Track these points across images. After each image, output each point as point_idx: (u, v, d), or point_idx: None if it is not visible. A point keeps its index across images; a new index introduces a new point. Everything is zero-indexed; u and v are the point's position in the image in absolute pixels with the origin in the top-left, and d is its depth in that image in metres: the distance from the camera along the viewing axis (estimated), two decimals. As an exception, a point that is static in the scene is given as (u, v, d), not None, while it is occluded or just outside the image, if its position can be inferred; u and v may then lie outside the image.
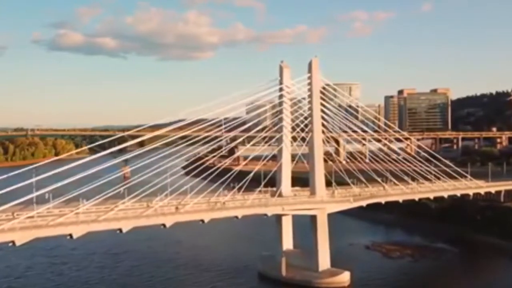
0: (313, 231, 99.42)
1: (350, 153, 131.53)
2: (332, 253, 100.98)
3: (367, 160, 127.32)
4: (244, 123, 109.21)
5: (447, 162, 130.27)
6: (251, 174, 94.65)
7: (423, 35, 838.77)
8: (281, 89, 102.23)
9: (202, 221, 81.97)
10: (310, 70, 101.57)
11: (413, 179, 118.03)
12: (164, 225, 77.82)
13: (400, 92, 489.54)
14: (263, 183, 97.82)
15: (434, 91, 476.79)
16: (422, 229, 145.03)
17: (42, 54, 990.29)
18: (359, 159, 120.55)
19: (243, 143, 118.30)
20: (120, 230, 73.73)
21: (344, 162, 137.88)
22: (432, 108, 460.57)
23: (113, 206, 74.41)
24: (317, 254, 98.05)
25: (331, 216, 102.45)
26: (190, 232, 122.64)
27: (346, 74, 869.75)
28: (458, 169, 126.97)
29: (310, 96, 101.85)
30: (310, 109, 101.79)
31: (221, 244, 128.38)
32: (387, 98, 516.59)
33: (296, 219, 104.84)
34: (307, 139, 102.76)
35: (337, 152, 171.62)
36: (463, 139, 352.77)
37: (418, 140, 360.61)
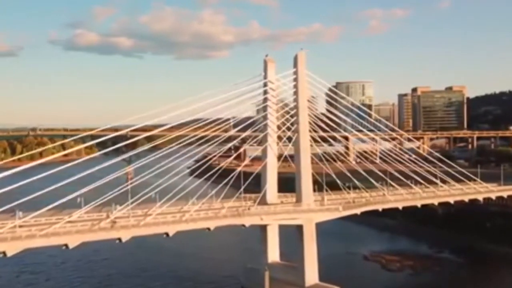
0: (299, 242, 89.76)
1: (360, 153, 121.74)
2: (324, 264, 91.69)
3: (377, 161, 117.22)
4: (253, 123, 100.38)
5: (452, 164, 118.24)
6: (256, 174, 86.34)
7: (439, 32, 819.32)
8: (265, 85, 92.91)
9: (167, 234, 72.96)
10: (295, 64, 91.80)
11: (417, 182, 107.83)
12: (120, 239, 69.00)
13: (414, 90, 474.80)
14: (242, 188, 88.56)
15: (449, 89, 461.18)
16: (427, 236, 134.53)
17: (57, 54, 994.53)
18: (360, 159, 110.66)
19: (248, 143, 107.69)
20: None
21: (354, 162, 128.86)
22: (447, 107, 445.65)
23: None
24: (303, 267, 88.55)
25: (329, 221, 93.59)
26: (175, 238, 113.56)
27: (361, 72, 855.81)
28: (464, 171, 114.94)
29: (295, 93, 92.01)
30: (296, 107, 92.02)
31: (207, 252, 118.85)
32: (401, 97, 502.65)
33: (287, 226, 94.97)
34: (293, 139, 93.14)
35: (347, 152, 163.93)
36: (478, 138, 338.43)
37: (431, 139, 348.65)
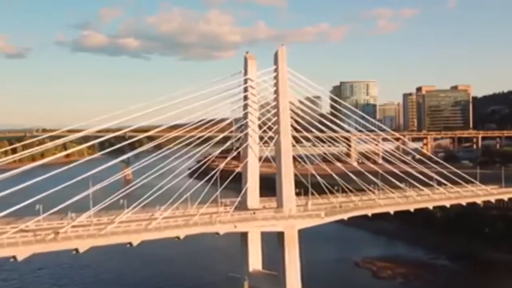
0: (281, 250, 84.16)
1: (362, 154, 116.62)
2: (311, 272, 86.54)
3: (380, 162, 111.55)
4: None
5: (447, 166, 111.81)
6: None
7: (446, 31, 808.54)
8: (245, 82, 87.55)
9: (130, 244, 67.62)
10: (276, 61, 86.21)
11: (412, 185, 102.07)
12: (77, 250, 63.74)
13: (419, 89, 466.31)
14: (218, 192, 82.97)
15: (455, 88, 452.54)
16: (425, 241, 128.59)
17: (65, 56, 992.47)
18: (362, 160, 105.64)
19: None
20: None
21: (355, 163, 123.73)
22: (453, 106, 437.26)
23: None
24: (284, 277, 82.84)
25: (324, 224, 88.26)
26: (158, 241, 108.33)
27: (367, 71, 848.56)
28: (459, 172, 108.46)
29: (276, 91, 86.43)
30: (276, 106, 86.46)
31: (191, 258, 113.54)
32: (406, 96, 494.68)
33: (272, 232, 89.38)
34: (274, 140, 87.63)
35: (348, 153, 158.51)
36: (484, 138, 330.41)
37: (435, 140, 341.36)
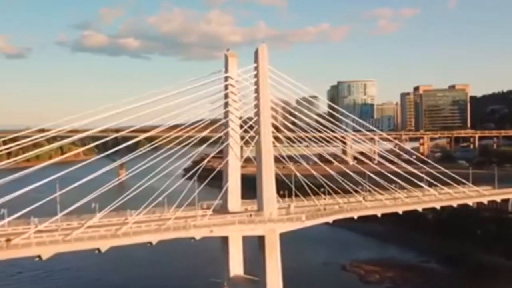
0: (261, 255, 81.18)
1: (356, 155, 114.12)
2: (295, 276, 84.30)
3: (375, 162, 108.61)
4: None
5: (437, 167, 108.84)
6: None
7: (447, 31, 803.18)
8: (226, 79, 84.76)
9: (98, 250, 64.60)
10: (256, 59, 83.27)
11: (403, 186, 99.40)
12: (39, 257, 60.76)
13: (416, 89, 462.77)
14: (196, 193, 79.99)
15: (452, 87, 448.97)
16: (416, 243, 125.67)
17: (65, 56, 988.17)
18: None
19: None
20: None
21: (351, 163, 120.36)
22: (451, 106, 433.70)
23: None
24: (265, 282, 79.90)
25: (315, 226, 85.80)
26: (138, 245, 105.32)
27: (367, 71, 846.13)
28: (449, 172, 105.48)
29: (256, 90, 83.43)
30: (257, 106, 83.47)
31: (174, 261, 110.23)
32: (403, 95, 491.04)
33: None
34: (254, 140, 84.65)
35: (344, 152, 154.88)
36: (482, 138, 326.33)
37: (432, 139, 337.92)
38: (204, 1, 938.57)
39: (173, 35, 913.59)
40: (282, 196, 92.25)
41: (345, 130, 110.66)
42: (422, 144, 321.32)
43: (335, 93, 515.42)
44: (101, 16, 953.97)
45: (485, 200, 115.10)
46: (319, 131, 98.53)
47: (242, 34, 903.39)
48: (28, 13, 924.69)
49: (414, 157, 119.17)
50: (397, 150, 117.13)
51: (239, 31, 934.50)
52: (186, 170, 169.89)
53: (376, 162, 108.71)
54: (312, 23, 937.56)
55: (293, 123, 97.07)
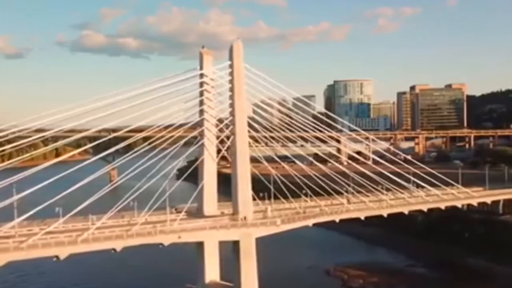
0: (236, 260, 77.92)
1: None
2: (276, 282, 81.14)
3: (370, 162, 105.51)
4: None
5: (425, 169, 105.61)
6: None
7: (446, 30, 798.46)
8: (201, 77, 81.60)
9: (57, 257, 61.22)
10: (231, 56, 79.97)
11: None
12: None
13: (412, 88, 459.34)
14: (166, 196, 76.45)
15: (449, 86, 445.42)
16: (403, 247, 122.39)
17: (65, 56, 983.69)
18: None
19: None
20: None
21: (345, 163, 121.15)
22: (448, 105, 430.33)
23: None
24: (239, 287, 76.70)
25: (304, 228, 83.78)
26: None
27: (365, 70, 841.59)
28: (435, 172, 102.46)
29: (231, 89, 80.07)
30: (232, 105, 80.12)
31: (150, 267, 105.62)
32: (400, 95, 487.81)
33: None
34: (229, 141, 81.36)
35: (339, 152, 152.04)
36: (478, 137, 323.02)
37: (427, 139, 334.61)
38: (204, 1, 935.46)
39: (172, 35, 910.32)
40: (262, 198, 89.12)
41: (340, 131, 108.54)
42: (418, 143, 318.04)
43: (332, 93, 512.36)
44: (101, 16, 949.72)
45: (474, 202, 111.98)
46: (306, 131, 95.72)
47: (241, 34, 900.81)
48: (27, 13, 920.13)
49: (402, 157, 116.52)
50: (385, 153, 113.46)
51: (239, 31, 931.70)
52: (180, 171, 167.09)
53: (371, 162, 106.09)
54: (312, 22, 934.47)
55: (287, 123, 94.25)
